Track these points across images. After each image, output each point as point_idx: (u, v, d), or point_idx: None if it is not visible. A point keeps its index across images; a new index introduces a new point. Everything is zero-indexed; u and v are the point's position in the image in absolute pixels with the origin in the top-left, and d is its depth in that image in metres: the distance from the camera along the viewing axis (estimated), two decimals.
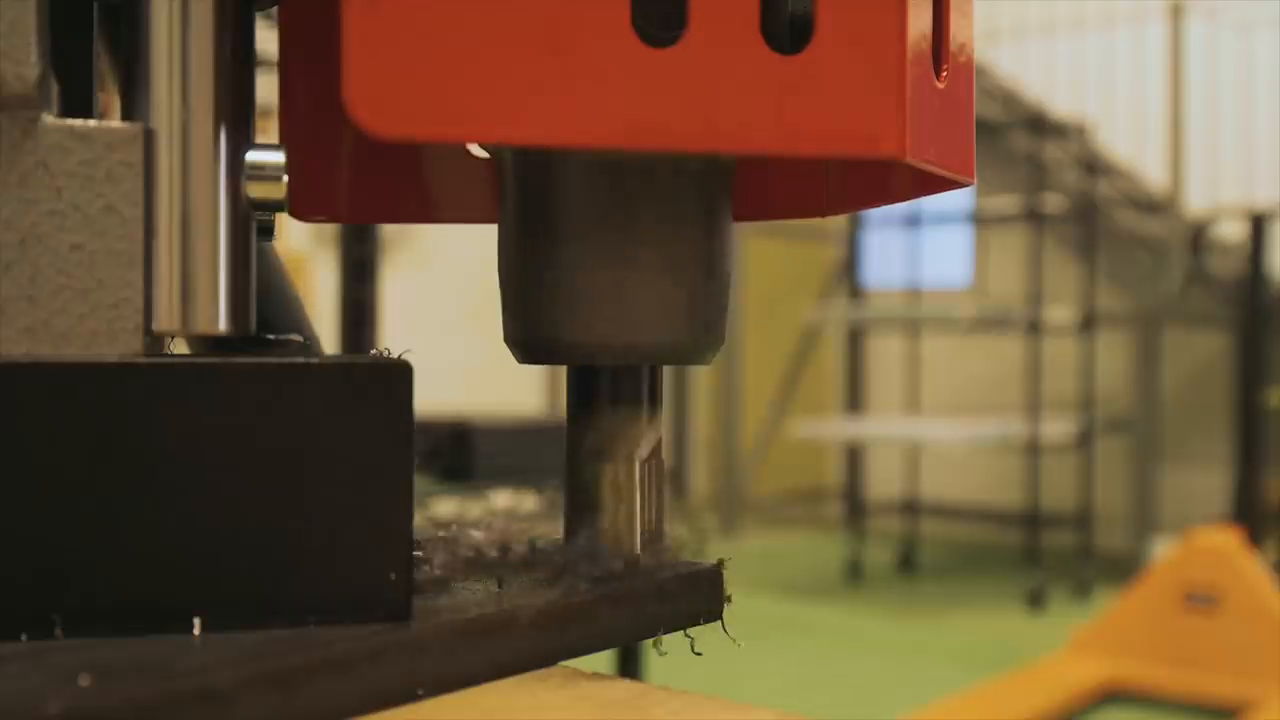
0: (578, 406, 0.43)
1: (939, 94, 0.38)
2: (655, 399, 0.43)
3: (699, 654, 0.42)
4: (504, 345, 0.44)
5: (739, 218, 0.47)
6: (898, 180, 0.46)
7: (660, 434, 0.43)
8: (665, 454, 0.44)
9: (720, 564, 0.43)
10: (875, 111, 0.35)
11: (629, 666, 1.74)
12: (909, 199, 0.46)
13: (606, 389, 0.43)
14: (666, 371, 0.44)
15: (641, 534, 0.42)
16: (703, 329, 0.42)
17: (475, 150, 0.50)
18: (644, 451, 0.42)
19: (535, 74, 0.33)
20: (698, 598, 0.42)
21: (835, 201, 0.50)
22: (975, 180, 0.42)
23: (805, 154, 0.36)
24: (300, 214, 0.49)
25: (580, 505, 0.43)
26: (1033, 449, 4.30)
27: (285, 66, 0.47)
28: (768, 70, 0.35)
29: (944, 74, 0.39)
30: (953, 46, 0.39)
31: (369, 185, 0.50)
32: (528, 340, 0.42)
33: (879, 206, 0.49)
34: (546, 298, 0.41)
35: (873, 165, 0.47)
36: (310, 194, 0.49)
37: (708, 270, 0.42)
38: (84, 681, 0.29)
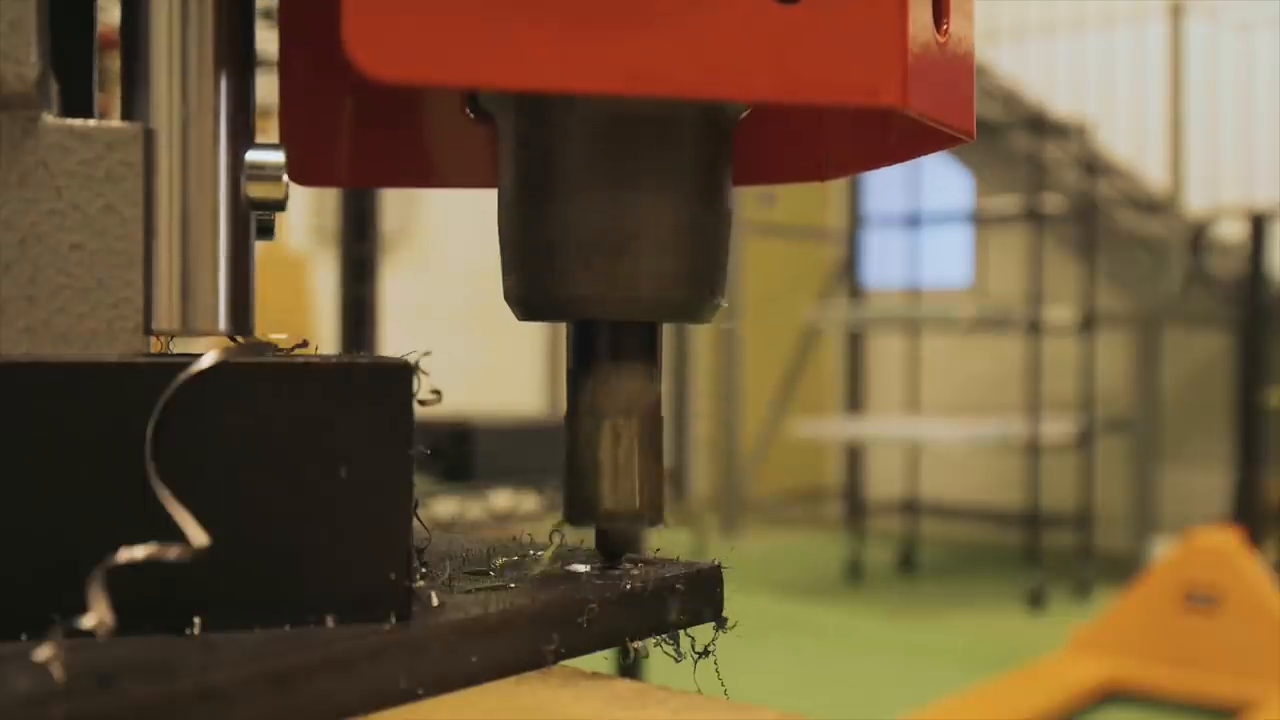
0: (577, 363, 0.43)
1: (940, 46, 0.38)
2: (655, 356, 0.43)
3: (699, 654, 0.42)
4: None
5: (739, 182, 0.47)
6: (898, 138, 0.46)
7: (659, 390, 0.43)
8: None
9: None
10: (876, 61, 0.35)
11: (629, 667, 1.74)
12: (909, 158, 0.46)
13: (606, 345, 0.43)
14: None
15: (639, 489, 0.42)
16: (701, 285, 0.42)
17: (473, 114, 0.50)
18: (643, 407, 0.43)
19: (536, 18, 0.33)
20: (698, 597, 0.42)
21: (835, 164, 0.50)
22: (975, 136, 0.41)
23: (805, 102, 0.35)
24: (301, 179, 0.49)
25: (579, 460, 0.43)
26: (1033, 449, 4.30)
27: (285, 29, 0.47)
28: (768, 18, 0.35)
29: (945, 27, 0.38)
30: (953, 1, 0.39)
31: (368, 150, 0.50)
32: (528, 296, 0.42)
33: (880, 167, 0.49)
34: (546, 253, 0.41)
35: (872, 123, 0.47)
36: (310, 159, 0.49)
37: (707, 226, 0.42)
38: (84, 681, 0.29)
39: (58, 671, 0.29)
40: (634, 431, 0.42)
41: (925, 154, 0.45)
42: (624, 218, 0.40)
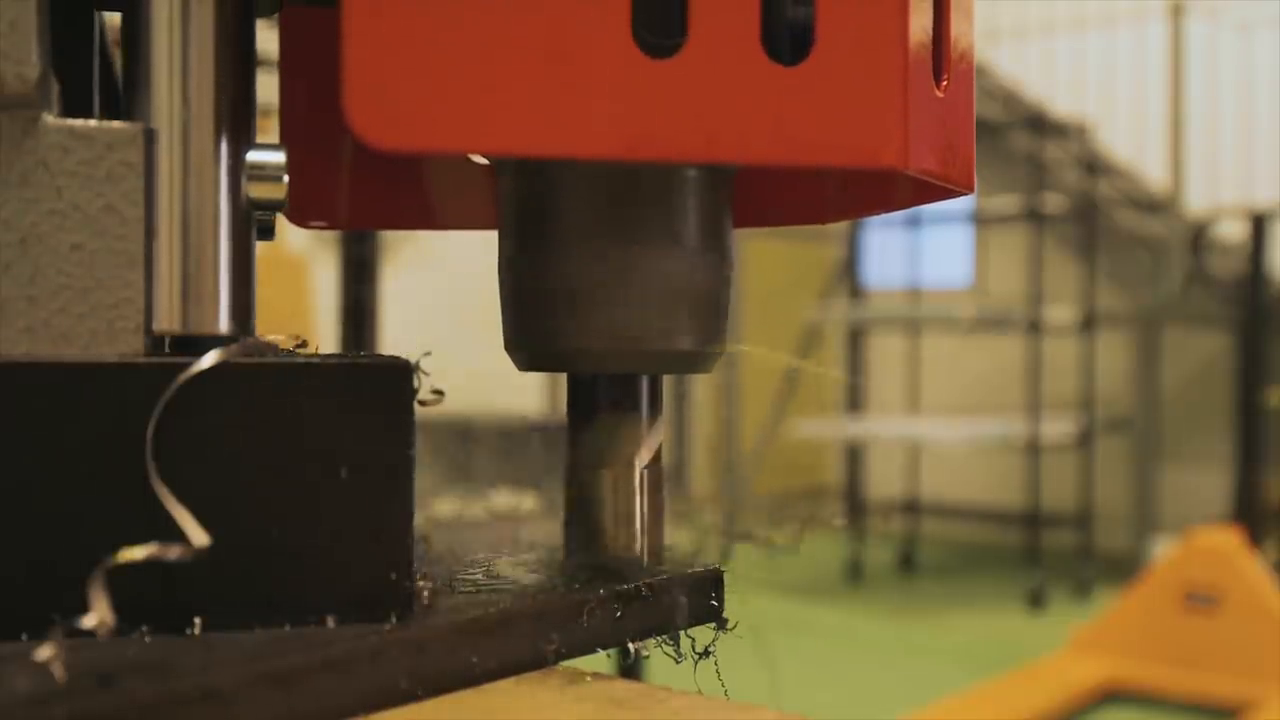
0: (578, 413, 0.43)
1: (939, 103, 0.38)
2: (655, 405, 0.43)
3: (700, 654, 0.42)
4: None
5: (739, 225, 0.47)
6: (898, 188, 0.46)
7: (660, 440, 0.43)
8: (665, 454, 0.44)
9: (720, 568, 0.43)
10: (876, 123, 0.35)
11: (629, 667, 1.74)
12: (909, 206, 0.46)
13: (606, 396, 0.43)
14: None
15: (641, 539, 0.43)
16: (703, 338, 0.42)
17: (475, 157, 0.50)
18: (644, 458, 0.43)
19: (535, 85, 0.33)
20: (698, 598, 0.42)
21: (835, 209, 0.50)
22: (975, 189, 0.41)
23: (806, 164, 0.35)
24: (299, 221, 0.49)
25: (580, 511, 0.43)
26: (1033, 449, 4.30)
27: (285, 72, 0.47)
28: (768, 81, 0.34)
29: (944, 82, 0.38)
30: (953, 54, 0.39)
31: (368, 192, 0.50)
32: (528, 348, 0.42)
33: (879, 214, 0.49)
34: (546, 306, 0.41)
35: (874, 175, 0.47)
36: (310, 201, 0.49)
37: (708, 279, 0.42)
38: (84, 681, 0.29)
39: (58, 671, 0.29)
40: (636, 482, 0.42)
41: (925, 203, 0.45)
42: (624, 271, 0.40)
